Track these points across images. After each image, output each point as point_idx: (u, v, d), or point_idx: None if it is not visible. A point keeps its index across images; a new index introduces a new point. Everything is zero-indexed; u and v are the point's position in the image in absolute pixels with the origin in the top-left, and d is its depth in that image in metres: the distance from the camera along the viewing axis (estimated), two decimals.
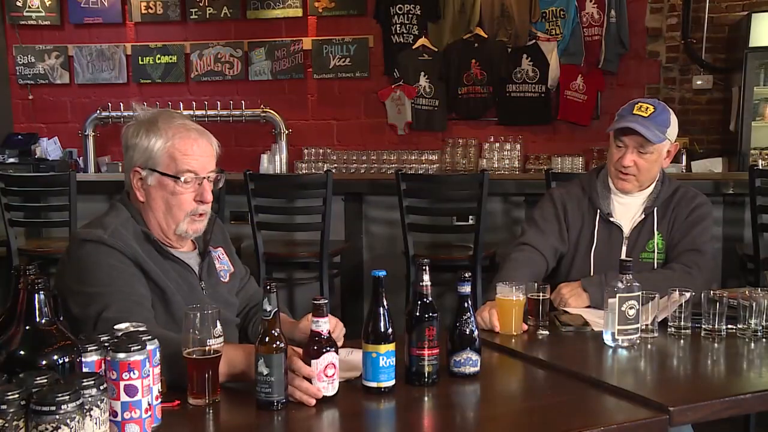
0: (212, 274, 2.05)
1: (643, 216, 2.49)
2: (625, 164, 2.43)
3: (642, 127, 2.38)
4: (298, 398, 1.56)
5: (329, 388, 1.58)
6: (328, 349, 1.57)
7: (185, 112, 6.34)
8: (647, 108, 2.41)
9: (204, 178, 1.93)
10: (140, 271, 1.85)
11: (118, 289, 1.78)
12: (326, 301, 1.60)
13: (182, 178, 1.90)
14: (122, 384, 1.33)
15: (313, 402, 1.56)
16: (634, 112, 2.42)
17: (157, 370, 1.43)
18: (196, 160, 1.92)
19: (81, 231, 1.90)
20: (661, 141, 2.41)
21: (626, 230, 2.49)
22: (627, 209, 2.51)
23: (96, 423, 1.22)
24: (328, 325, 1.59)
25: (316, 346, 1.57)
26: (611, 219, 2.50)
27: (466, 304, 1.76)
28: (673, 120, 2.46)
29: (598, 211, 2.51)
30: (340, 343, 1.89)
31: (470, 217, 4.20)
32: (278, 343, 1.52)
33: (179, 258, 1.96)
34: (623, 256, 2.46)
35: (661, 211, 2.48)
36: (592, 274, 2.47)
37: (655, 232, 2.46)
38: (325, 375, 1.57)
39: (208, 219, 2.00)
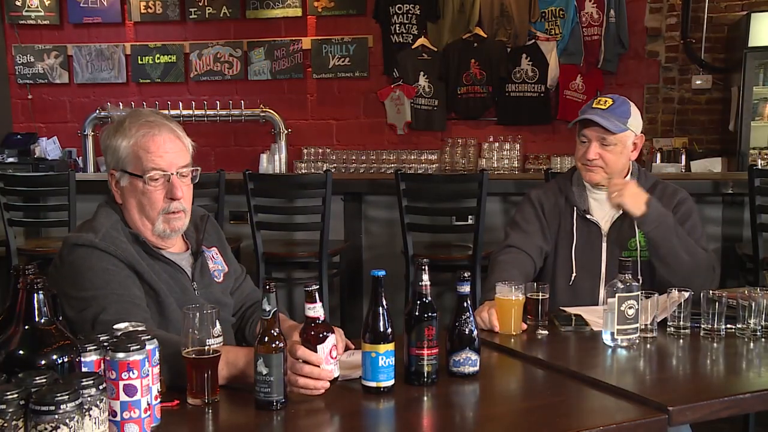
0: (205, 275, 2.03)
1: (620, 212, 2.48)
2: (589, 157, 2.44)
3: (600, 118, 2.41)
4: (313, 386, 1.56)
5: (335, 370, 1.61)
6: (327, 333, 1.60)
7: (184, 112, 6.36)
8: (606, 101, 2.46)
9: (171, 174, 1.90)
10: (134, 273, 1.85)
11: (113, 291, 1.78)
12: (317, 286, 1.61)
13: (146, 176, 1.88)
14: (121, 384, 1.33)
15: (327, 385, 1.58)
16: (594, 105, 2.47)
17: (156, 369, 1.43)
18: (161, 157, 1.89)
19: (72, 235, 1.89)
20: (622, 131, 2.42)
21: (604, 228, 2.50)
22: (603, 206, 2.51)
23: (95, 423, 1.22)
24: (322, 310, 1.62)
25: (315, 331, 1.60)
26: (588, 216, 2.51)
27: (465, 304, 1.76)
28: (635, 112, 2.48)
29: (575, 208, 2.52)
30: (341, 349, 1.89)
31: (469, 216, 4.20)
32: (277, 342, 1.52)
33: (170, 259, 1.96)
34: (604, 254, 2.47)
35: None
36: (575, 272, 2.48)
37: (636, 230, 2.46)
38: (330, 357, 1.60)
39: (188, 217, 1.97)
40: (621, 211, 2.48)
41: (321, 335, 1.59)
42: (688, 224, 2.44)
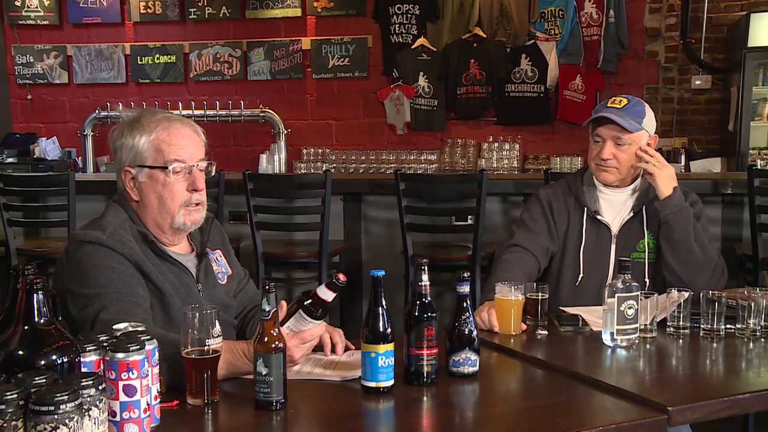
0: (209, 276, 2.04)
1: (631, 214, 2.48)
2: (603, 157, 2.43)
3: (616, 116, 2.40)
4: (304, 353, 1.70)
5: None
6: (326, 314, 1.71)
7: (184, 112, 6.35)
8: (621, 101, 2.44)
9: (193, 166, 1.94)
10: (139, 272, 1.85)
11: (116, 290, 1.78)
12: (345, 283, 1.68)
13: (171, 168, 1.90)
14: (121, 384, 1.33)
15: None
16: (608, 105, 2.45)
17: (156, 370, 1.43)
18: (183, 149, 1.92)
19: (79, 232, 1.90)
20: (637, 130, 2.42)
21: (614, 229, 2.49)
22: (614, 207, 2.51)
23: (95, 423, 1.22)
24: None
25: (322, 309, 1.68)
26: (598, 217, 2.50)
27: (464, 304, 1.75)
28: (649, 112, 2.47)
29: (585, 209, 2.51)
30: (341, 350, 1.91)
31: (469, 216, 4.21)
32: (277, 343, 1.52)
33: (176, 260, 1.96)
34: (613, 255, 2.46)
35: (651, 210, 2.47)
36: (582, 273, 2.47)
37: (646, 232, 2.46)
38: None
39: (205, 210, 2.00)
40: (633, 213, 2.48)
41: (324, 313, 1.69)
42: (698, 226, 2.44)
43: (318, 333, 1.71)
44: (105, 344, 1.38)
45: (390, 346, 1.62)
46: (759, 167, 4.67)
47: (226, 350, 1.63)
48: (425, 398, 1.64)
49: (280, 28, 6.70)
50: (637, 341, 1.98)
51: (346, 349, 1.92)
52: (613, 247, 2.48)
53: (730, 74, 6.01)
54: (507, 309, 2.08)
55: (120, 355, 1.34)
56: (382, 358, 1.61)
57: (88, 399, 1.21)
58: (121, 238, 1.85)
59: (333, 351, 1.90)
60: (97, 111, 6.61)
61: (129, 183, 1.95)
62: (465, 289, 1.76)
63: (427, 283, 1.70)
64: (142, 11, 6.78)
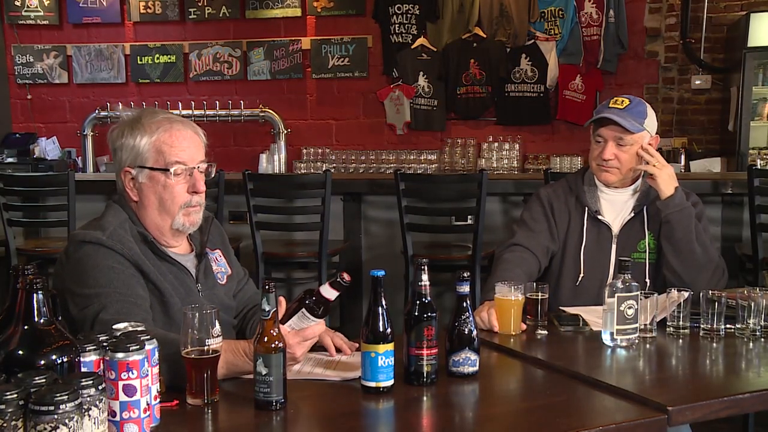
0: (209, 276, 2.04)
1: (632, 215, 2.49)
2: (605, 157, 2.43)
3: (618, 117, 2.40)
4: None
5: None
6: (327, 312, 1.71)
7: (184, 112, 6.35)
8: (623, 101, 2.45)
9: (194, 168, 1.93)
10: (139, 272, 1.85)
11: (116, 290, 1.78)
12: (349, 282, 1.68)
13: (172, 170, 1.90)
14: (121, 384, 1.33)
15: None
16: (610, 105, 2.46)
17: (156, 369, 1.43)
18: (184, 151, 1.92)
19: (79, 232, 1.90)
20: (639, 131, 2.42)
21: (615, 229, 2.50)
22: (615, 207, 2.51)
23: (94, 423, 1.22)
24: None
25: (324, 308, 1.68)
26: (599, 217, 2.50)
27: (464, 304, 1.76)
28: (651, 112, 2.47)
29: (586, 209, 2.51)
30: (348, 351, 1.92)
31: (469, 216, 4.21)
32: (277, 342, 1.52)
33: (176, 260, 1.96)
34: (613, 256, 2.46)
35: (651, 210, 2.47)
36: (582, 273, 2.47)
37: (646, 232, 2.46)
38: None
39: (203, 210, 2.00)
40: (634, 214, 2.48)
41: (326, 311, 1.69)
42: (699, 226, 2.44)
43: (319, 331, 1.71)
44: (105, 344, 1.38)
45: (390, 346, 1.62)
46: (759, 167, 4.67)
47: (227, 350, 1.63)
48: (425, 398, 1.64)
49: (280, 28, 6.70)
50: (637, 341, 1.98)
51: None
52: (614, 247, 2.48)
53: (730, 74, 6.01)
54: (507, 309, 2.08)
55: (120, 355, 1.34)
56: (382, 358, 1.61)
57: (88, 399, 1.21)
58: (120, 238, 1.85)
59: (338, 352, 1.90)
60: (97, 111, 6.60)
61: (129, 183, 1.95)
62: (465, 289, 1.76)
63: (427, 283, 1.70)
64: (142, 11, 6.78)
